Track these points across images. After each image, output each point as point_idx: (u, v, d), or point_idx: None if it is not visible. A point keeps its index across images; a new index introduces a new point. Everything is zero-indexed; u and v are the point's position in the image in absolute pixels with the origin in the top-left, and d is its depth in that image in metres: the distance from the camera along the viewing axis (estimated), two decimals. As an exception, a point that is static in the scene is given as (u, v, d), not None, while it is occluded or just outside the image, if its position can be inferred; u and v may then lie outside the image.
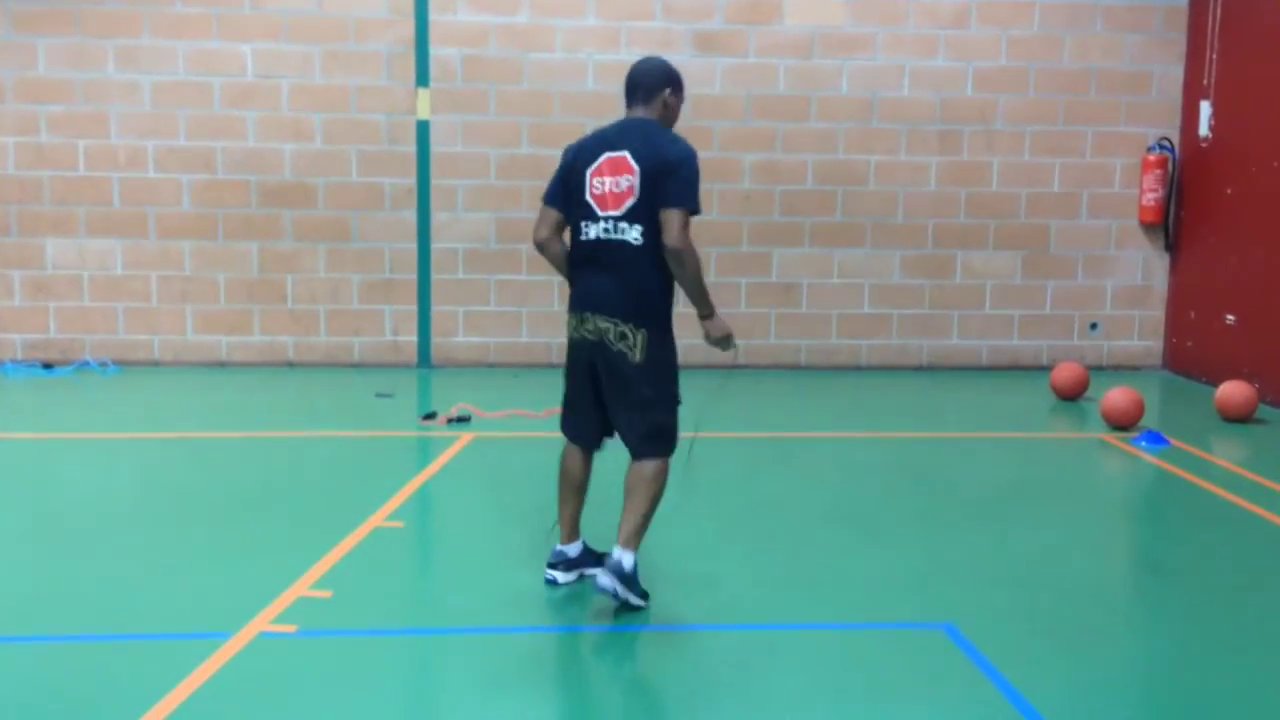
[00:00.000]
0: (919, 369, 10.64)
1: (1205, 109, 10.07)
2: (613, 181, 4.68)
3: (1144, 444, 7.77)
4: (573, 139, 10.15)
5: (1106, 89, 10.45)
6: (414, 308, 10.28)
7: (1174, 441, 7.81)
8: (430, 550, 5.78)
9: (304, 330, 10.24)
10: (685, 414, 4.90)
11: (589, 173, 4.77)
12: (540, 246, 4.91)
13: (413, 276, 10.24)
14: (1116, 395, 8.23)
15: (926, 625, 4.66)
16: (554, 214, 4.88)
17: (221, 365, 10.22)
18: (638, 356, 4.66)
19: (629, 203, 4.63)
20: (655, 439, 4.73)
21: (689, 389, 4.97)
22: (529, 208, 10.15)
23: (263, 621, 4.47)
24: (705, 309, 4.78)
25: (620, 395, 4.74)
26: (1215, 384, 8.94)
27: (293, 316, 10.23)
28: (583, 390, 4.88)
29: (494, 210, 10.19)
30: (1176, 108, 10.48)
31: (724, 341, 4.86)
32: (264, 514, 6.01)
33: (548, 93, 10.11)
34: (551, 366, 10.33)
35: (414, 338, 10.32)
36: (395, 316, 10.30)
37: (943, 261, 10.54)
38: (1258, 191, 9.39)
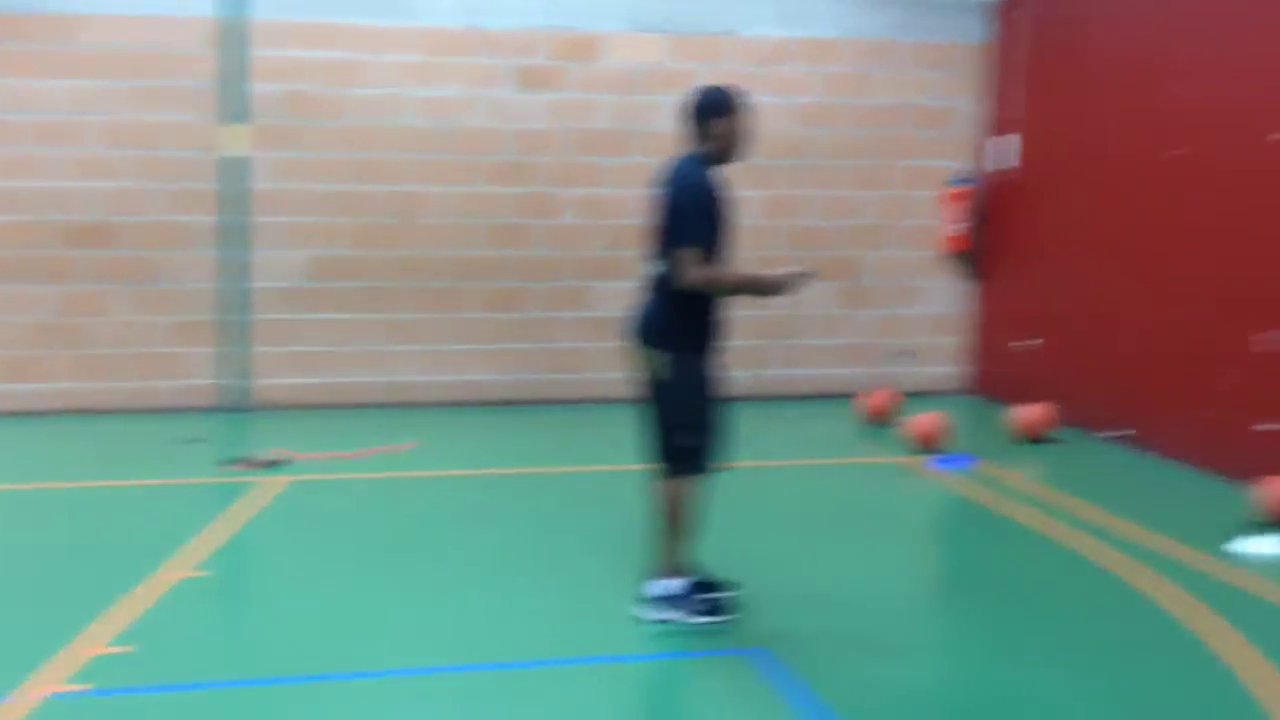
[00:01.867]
0: (738, 399, 10.80)
1: (1005, 143, 10.57)
2: (655, 215, 5.02)
3: (950, 465, 8.08)
4: (396, 174, 10.25)
5: (915, 123, 10.87)
6: (229, 349, 10.03)
7: (979, 462, 8.15)
8: (240, 600, 5.64)
9: (110, 376, 9.87)
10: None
11: (651, 204, 5.10)
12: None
13: (228, 317, 9.99)
14: (924, 419, 8.55)
15: (740, 651, 4.77)
16: None
17: (23, 414, 9.77)
18: (659, 377, 4.99)
19: (656, 239, 4.99)
20: (669, 460, 5.06)
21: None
22: (350, 245, 10.04)
23: (55, 680, 4.31)
24: (765, 292, 5.00)
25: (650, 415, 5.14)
26: (1018, 406, 9.33)
27: (98, 361, 9.86)
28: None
29: (315, 248, 10.03)
30: (981, 141, 10.96)
31: (792, 284, 4.97)
32: (60, 567, 5.78)
33: (369, 128, 10.03)
34: (375, 406, 10.20)
35: (230, 380, 10.06)
36: (209, 358, 10.01)
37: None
38: (1057, 221, 9.88)
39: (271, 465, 7.91)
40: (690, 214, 4.86)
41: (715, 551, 5.83)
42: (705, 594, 5.10)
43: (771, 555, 6.14)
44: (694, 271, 4.81)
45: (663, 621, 5.03)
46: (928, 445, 8.46)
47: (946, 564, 6.56)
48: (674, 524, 5.06)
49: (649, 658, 4.82)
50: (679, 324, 4.95)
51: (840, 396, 10.87)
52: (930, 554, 6.72)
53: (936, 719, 4.26)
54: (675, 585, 5.06)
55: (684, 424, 5.01)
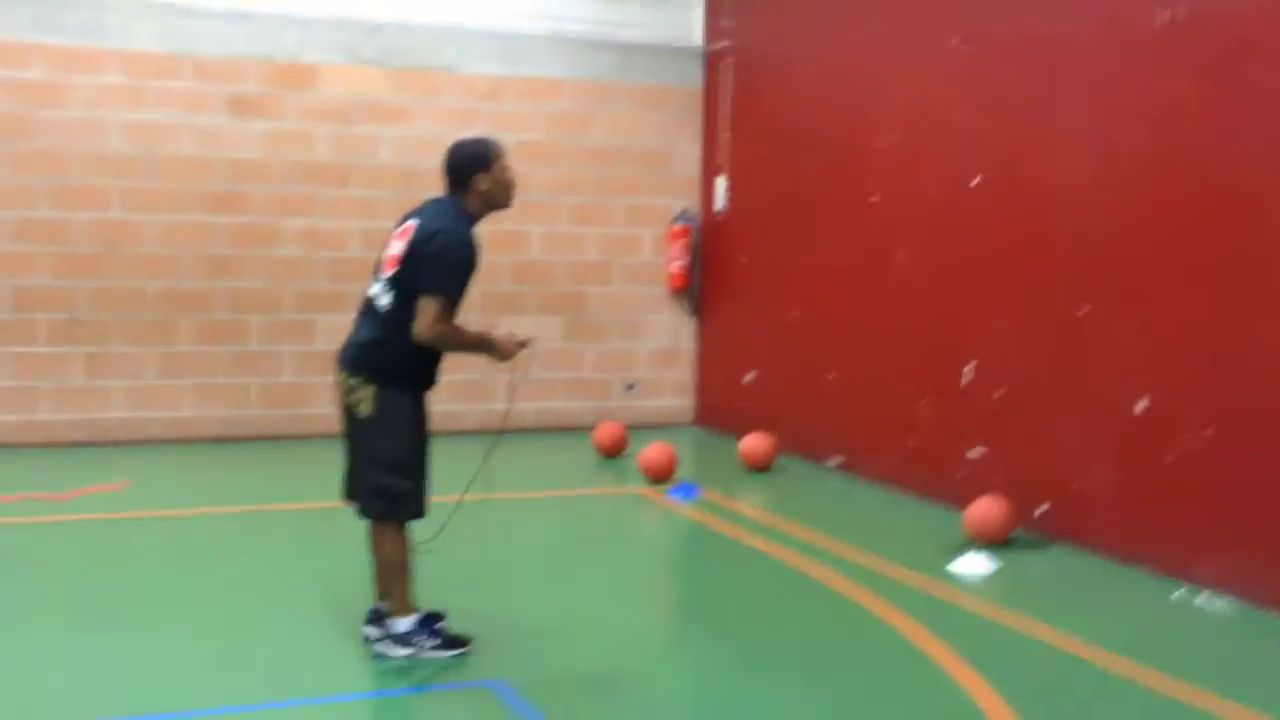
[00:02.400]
0: (463, 434, 10.70)
1: (720, 184, 10.95)
2: (397, 245, 4.79)
3: (678, 495, 8.24)
4: (101, 201, 9.61)
5: (634, 163, 11.11)
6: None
7: (705, 492, 8.34)
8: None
9: None
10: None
11: (393, 234, 4.89)
12: None
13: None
14: (652, 451, 8.70)
15: (476, 683, 4.70)
16: None
17: None
18: (366, 410, 4.78)
19: (392, 270, 4.75)
20: (374, 500, 4.85)
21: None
22: (49, 274, 9.36)
23: None
24: (490, 354, 4.95)
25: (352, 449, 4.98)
26: (740, 436, 9.62)
27: None
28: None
29: (8, 276, 9.29)
30: (696, 182, 11.31)
31: (517, 352, 5.01)
32: None
33: (66, 152, 9.41)
34: (78, 445, 9.52)
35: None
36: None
37: (489, 326, 10.67)
38: (768, 259, 10.29)
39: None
40: (446, 266, 4.71)
41: (454, 583, 5.74)
42: (441, 627, 4.99)
43: (511, 586, 6.10)
44: (436, 325, 4.66)
45: (400, 657, 4.89)
46: (657, 476, 8.60)
47: (681, 591, 6.67)
48: (388, 565, 4.93)
49: (386, 694, 4.68)
50: (394, 358, 4.81)
51: (568, 430, 10.93)
52: (666, 582, 6.82)
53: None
54: (408, 621, 4.93)
55: (386, 463, 4.84)
